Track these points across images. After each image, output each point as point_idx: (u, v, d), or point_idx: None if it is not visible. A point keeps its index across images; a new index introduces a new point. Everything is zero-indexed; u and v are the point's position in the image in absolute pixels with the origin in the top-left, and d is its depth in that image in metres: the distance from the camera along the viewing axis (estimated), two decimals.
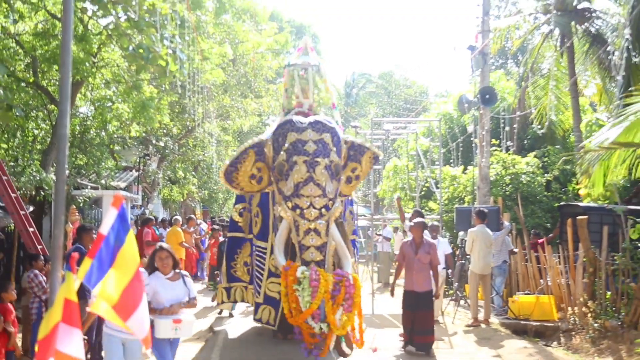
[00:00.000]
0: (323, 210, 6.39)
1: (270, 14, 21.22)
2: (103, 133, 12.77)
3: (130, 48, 7.03)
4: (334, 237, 6.56)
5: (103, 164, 13.35)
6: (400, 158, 18.66)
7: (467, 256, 9.64)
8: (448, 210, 13.20)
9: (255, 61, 16.65)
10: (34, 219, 9.12)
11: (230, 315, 9.74)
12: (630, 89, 9.26)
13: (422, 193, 15.01)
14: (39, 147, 12.12)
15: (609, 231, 8.07)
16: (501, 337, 8.27)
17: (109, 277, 3.08)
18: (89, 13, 8.48)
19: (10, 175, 8.32)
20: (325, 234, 6.40)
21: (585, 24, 13.46)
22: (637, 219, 7.61)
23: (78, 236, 6.68)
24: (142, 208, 18.59)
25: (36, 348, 2.93)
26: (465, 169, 14.49)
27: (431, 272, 7.36)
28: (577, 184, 11.86)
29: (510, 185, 13.07)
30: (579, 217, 8.32)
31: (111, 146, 14.98)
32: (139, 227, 12.24)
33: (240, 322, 9.33)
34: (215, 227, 12.82)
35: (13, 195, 7.86)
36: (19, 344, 6.21)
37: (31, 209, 9.64)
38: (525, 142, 16.15)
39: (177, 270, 5.22)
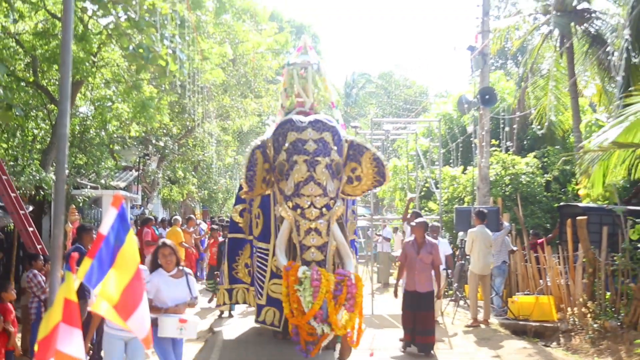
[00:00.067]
0: (324, 209, 6.37)
1: (270, 14, 21.23)
2: (103, 133, 12.77)
3: (130, 48, 7.04)
4: (335, 236, 6.53)
5: (103, 163, 13.35)
6: (400, 158, 18.67)
7: (467, 256, 9.64)
8: (448, 210, 13.21)
9: (255, 61, 16.66)
10: (34, 218, 9.13)
11: (230, 316, 9.73)
12: (629, 89, 9.27)
13: (422, 193, 15.01)
14: (38, 146, 12.12)
15: (609, 231, 8.06)
16: (501, 337, 8.27)
17: (110, 277, 3.08)
18: (89, 13, 8.49)
19: (10, 175, 8.32)
20: (326, 234, 6.38)
21: (585, 24, 13.46)
22: (637, 220, 7.61)
23: (78, 236, 6.68)
24: (142, 208, 18.58)
25: (36, 348, 2.92)
26: (464, 169, 14.49)
27: (433, 272, 7.36)
28: (576, 184, 11.87)
29: (509, 186, 13.07)
30: (578, 218, 8.32)
31: (111, 146, 14.99)
32: (139, 227, 12.23)
33: (239, 322, 9.33)
34: (215, 227, 12.81)
35: (13, 194, 7.86)
36: (18, 343, 6.21)
37: (31, 208, 9.64)
38: (525, 142, 16.16)
39: (181, 268, 5.15)
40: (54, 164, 8.76)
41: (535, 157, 14.15)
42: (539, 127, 13.52)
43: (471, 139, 13.52)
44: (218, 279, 9.56)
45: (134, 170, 17.49)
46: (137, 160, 17.78)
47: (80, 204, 11.83)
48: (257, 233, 7.86)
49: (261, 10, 17.46)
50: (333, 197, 6.44)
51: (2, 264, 9.33)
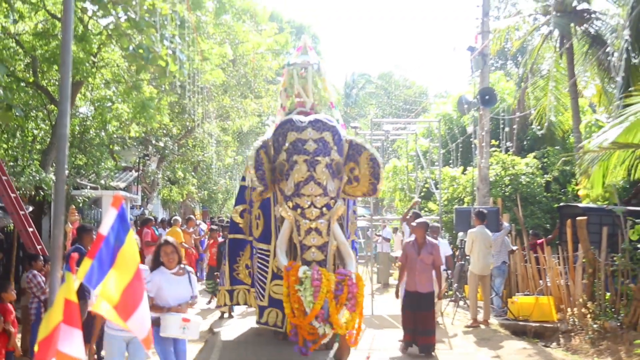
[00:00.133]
0: (324, 209, 6.36)
1: (270, 14, 21.23)
2: (103, 133, 12.76)
3: (130, 48, 7.03)
4: (336, 236, 6.53)
5: (103, 164, 13.36)
6: (400, 159, 18.67)
7: (467, 257, 9.65)
8: (447, 211, 13.21)
9: (255, 61, 16.65)
10: (34, 219, 9.13)
11: (230, 316, 9.73)
12: (629, 89, 9.28)
13: (422, 194, 15.02)
14: (38, 147, 12.12)
15: (609, 232, 8.06)
16: (500, 337, 8.27)
17: (110, 277, 3.08)
18: (89, 13, 8.49)
19: (9, 175, 8.32)
20: (326, 234, 6.38)
21: (585, 25, 13.48)
22: (637, 220, 7.60)
23: (78, 236, 6.68)
24: (142, 208, 18.59)
25: (36, 348, 2.93)
26: (464, 169, 14.49)
27: (434, 272, 7.35)
28: (576, 184, 11.87)
29: (509, 186, 13.08)
30: (578, 218, 8.32)
31: (111, 146, 14.98)
32: (139, 228, 12.23)
33: (239, 322, 9.33)
34: (214, 227, 12.80)
35: (12, 195, 7.86)
36: (18, 344, 6.21)
37: (30, 209, 9.64)
38: (525, 142, 16.16)
39: (182, 266, 5.13)
40: (54, 165, 8.76)
41: (535, 157, 14.16)
42: (538, 127, 13.53)
43: (471, 140, 13.53)
44: (218, 280, 9.56)
45: (133, 171, 17.49)
46: (137, 160, 17.78)
47: (80, 205, 11.83)
48: (257, 234, 7.85)
49: (261, 11, 17.45)
50: (333, 196, 6.43)
51: (2, 265, 9.33)
